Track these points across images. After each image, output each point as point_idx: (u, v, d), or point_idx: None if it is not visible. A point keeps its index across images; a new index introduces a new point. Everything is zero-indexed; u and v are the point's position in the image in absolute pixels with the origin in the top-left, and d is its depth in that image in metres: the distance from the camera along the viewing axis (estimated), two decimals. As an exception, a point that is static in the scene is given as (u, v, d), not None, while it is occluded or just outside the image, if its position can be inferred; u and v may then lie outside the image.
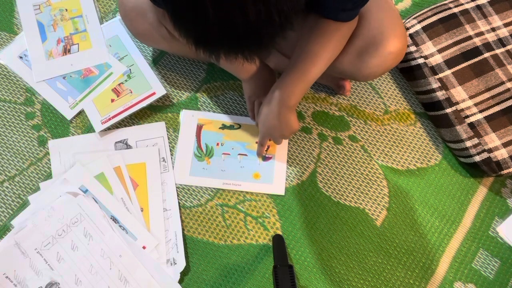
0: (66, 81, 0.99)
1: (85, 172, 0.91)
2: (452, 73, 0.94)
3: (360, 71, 0.84)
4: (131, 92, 0.98)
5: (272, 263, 0.87)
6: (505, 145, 0.91)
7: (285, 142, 0.97)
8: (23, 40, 1.02)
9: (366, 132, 1.00)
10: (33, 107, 0.99)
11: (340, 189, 0.95)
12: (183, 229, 0.90)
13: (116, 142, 0.96)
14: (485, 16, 0.97)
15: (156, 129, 0.97)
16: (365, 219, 0.93)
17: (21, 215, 0.88)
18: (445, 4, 0.98)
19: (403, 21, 0.99)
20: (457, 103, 0.93)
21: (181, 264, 0.87)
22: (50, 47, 1.01)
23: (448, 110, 0.94)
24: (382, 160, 0.98)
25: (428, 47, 0.95)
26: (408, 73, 1.00)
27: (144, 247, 0.87)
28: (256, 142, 0.96)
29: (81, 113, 0.98)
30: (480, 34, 0.96)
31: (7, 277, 0.83)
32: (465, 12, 0.97)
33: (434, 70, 0.95)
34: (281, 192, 0.94)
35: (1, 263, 0.84)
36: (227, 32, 0.50)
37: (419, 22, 0.97)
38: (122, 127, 0.97)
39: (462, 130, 0.93)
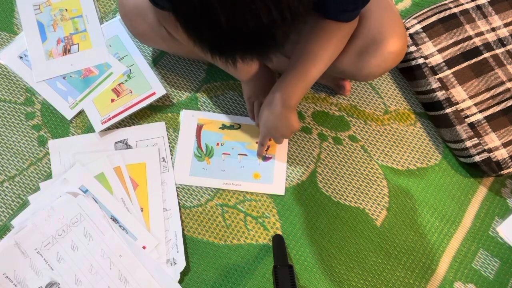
0: (66, 81, 0.99)
1: (85, 172, 0.91)
2: (452, 73, 0.94)
3: (360, 71, 0.84)
4: (131, 92, 0.98)
5: (272, 263, 0.87)
6: (505, 145, 0.91)
7: (285, 142, 0.97)
8: (23, 40, 1.02)
9: (366, 132, 1.00)
10: (33, 107, 0.99)
11: (340, 189, 0.95)
12: (183, 229, 0.90)
13: (116, 142, 0.96)
14: (485, 16, 0.97)
15: (156, 129, 0.97)
16: (365, 219, 0.93)
17: (21, 215, 0.88)
18: (445, 4, 0.98)
19: (403, 21, 0.99)
20: (457, 103, 0.93)
21: (181, 264, 0.87)
22: (50, 47, 1.01)
23: (448, 110, 0.94)
24: (382, 160, 0.98)
25: (428, 47, 0.95)
26: (408, 73, 1.00)
27: (144, 247, 0.87)
28: (256, 142, 0.96)
29: (81, 113, 0.98)
30: (480, 34, 0.96)
31: (7, 277, 0.83)
32: (465, 12, 0.97)
33: (434, 70, 0.95)
34: (281, 192, 0.94)
35: (1, 263, 0.84)
36: (241, 37, 0.50)
37: (419, 22, 0.97)
38: (122, 127, 0.97)
39: (462, 130, 0.93)
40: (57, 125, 0.97)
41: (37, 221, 0.86)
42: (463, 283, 0.90)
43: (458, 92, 0.93)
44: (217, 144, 0.97)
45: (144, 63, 1.01)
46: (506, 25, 0.97)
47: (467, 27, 0.96)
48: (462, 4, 0.98)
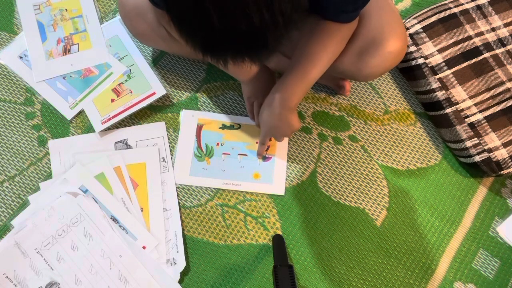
0: (66, 81, 0.99)
1: (85, 172, 0.91)
2: (452, 73, 0.94)
3: (360, 71, 0.84)
4: (131, 92, 0.98)
5: (272, 263, 0.87)
6: (505, 145, 0.91)
7: (285, 142, 0.97)
8: (23, 40, 1.02)
9: (366, 132, 1.00)
10: (33, 107, 0.99)
11: (340, 189, 0.95)
12: (183, 229, 0.90)
13: (116, 142, 0.96)
14: (485, 16, 0.97)
15: (156, 129, 0.97)
16: (365, 219, 0.93)
17: (21, 215, 0.88)
18: (445, 4, 0.98)
19: (403, 21, 0.99)
20: (457, 103, 0.93)
21: (181, 264, 0.87)
22: (50, 47, 1.01)
23: (448, 110, 0.94)
24: (382, 160, 0.98)
25: (428, 47, 0.95)
26: (408, 73, 1.00)
27: (144, 247, 0.87)
28: (256, 142, 0.96)
29: (81, 113, 0.98)
30: (480, 34, 0.96)
31: (7, 277, 0.83)
32: (465, 12, 0.97)
33: (434, 70, 0.95)
34: (281, 192, 0.94)
35: (1, 263, 0.84)
36: (232, 38, 0.50)
37: (419, 22, 0.97)
38: (122, 127, 0.97)
39: (462, 130, 0.93)
40: (57, 125, 0.97)
41: (37, 221, 0.86)
42: (463, 283, 0.90)
43: (458, 92, 0.93)
44: (217, 144, 0.97)
45: (144, 63, 1.01)
46: (506, 25, 0.97)
47: (467, 27, 0.96)
48: (462, 4, 0.98)
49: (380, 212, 0.94)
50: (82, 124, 0.97)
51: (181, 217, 0.91)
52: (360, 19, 0.80)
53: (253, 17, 0.47)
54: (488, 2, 0.98)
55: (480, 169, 0.93)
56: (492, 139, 0.91)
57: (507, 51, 0.95)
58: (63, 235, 0.86)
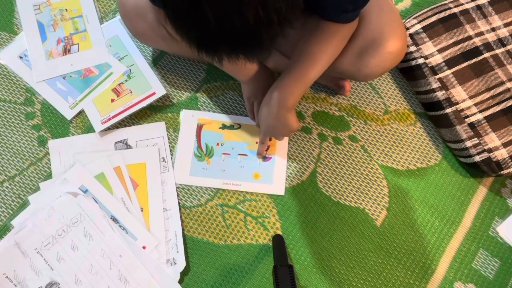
0: (66, 81, 0.99)
1: (85, 172, 0.91)
2: (452, 73, 0.94)
3: (360, 71, 0.84)
4: (131, 92, 0.98)
5: (272, 263, 0.87)
6: (505, 145, 0.91)
7: (285, 143, 0.97)
8: (23, 40, 1.02)
9: (366, 132, 1.00)
10: (33, 107, 0.99)
11: (340, 189, 0.95)
12: (183, 229, 0.90)
13: (116, 142, 0.96)
14: (485, 16, 0.97)
15: (156, 129, 0.97)
16: (365, 219, 0.93)
17: (21, 215, 0.88)
18: (445, 4, 0.98)
19: (403, 21, 0.99)
20: (457, 103, 0.93)
21: (181, 264, 0.87)
22: (50, 47, 1.01)
23: (448, 110, 0.94)
24: (382, 160, 0.98)
25: (428, 47, 0.95)
26: (408, 73, 1.00)
27: (144, 247, 0.87)
28: (257, 142, 0.96)
29: (81, 113, 0.98)
30: (480, 34, 0.96)
31: (7, 277, 0.83)
32: (465, 12, 0.97)
33: (434, 70, 0.95)
34: (281, 192, 0.94)
35: (1, 263, 0.84)
36: (227, 35, 0.50)
37: (419, 22, 0.97)
38: (122, 127, 0.97)
39: (462, 130, 0.93)
40: (57, 125, 0.97)
41: (37, 221, 0.86)
42: (463, 283, 0.90)
43: (458, 92, 0.93)
44: (217, 144, 0.97)
45: (144, 63, 1.01)
46: (506, 25, 0.97)
47: (467, 27, 0.96)
48: (462, 4, 0.98)
49: (380, 212, 0.94)
50: (82, 124, 0.97)
51: (181, 217, 0.91)
52: (360, 19, 0.80)
53: (248, 15, 0.47)
54: (488, 2, 0.98)
55: (480, 169, 0.93)
56: (492, 139, 0.91)
57: (507, 51, 0.95)
58: (63, 235, 0.86)
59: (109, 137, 0.96)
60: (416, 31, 0.97)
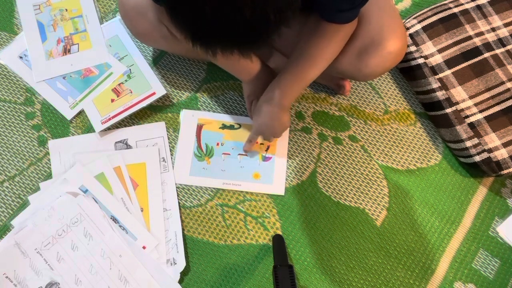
0: (66, 81, 0.99)
1: (85, 172, 0.91)
2: (452, 73, 0.94)
3: (359, 71, 0.84)
4: (131, 92, 0.98)
5: (272, 263, 0.87)
6: (505, 145, 0.91)
7: (285, 142, 0.97)
8: (23, 40, 1.02)
9: (366, 132, 1.00)
10: (33, 107, 0.99)
11: (340, 189, 0.95)
12: (183, 229, 0.90)
13: (116, 142, 0.96)
14: (485, 16, 0.97)
15: (156, 129, 0.97)
16: (365, 219, 0.93)
17: (21, 215, 0.88)
18: (445, 4, 0.98)
19: (403, 21, 0.99)
20: (457, 103, 0.93)
21: (181, 264, 0.87)
22: (50, 47, 1.01)
23: (448, 110, 0.94)
24: (382, 160, 0.98)
25: (428, 47, 0.95)
26: (408, 73, 1.00)
27: (144, 247, 0.87)
28: (257, 142, 0.96)
29: (81, 113, 0.98)
30: (480, 34, 0.96)
31: (7, 277, 0.83)
32: (465, 12, 0.97)
33: (434, 70, 0.95)
34: (281, 192, 0.94)
35: (1, 263, 0.84)
36: (223, 29, 0.51)
37: (419, 22, 0.97)
38: (122, 127, 0.97)
39: (462, 130, 0.93)
40: (57, 125, 0.97)
41: (37, 221, 0.86)
42: (463, 283, 0.90)
43: (458, 92, 0.93)
44: (217, 144, 0.97)
45: (144, 63, 1.01)
46: (506, 25, 0.97)
47: (467, 27, 0.96)
48: (462, 4, 0.98)
49: (380, 212, 0.94)
50: (82, 124, 0.97)
51: (181, 217, 0.91)
52: (359, 19, 0.80)
53: (245, 10, 0.48)
54: (488, 2, 0.98)
55: (480, 169, 0.93)
56: (492, 139, 0.91)
57: (507, 51, 0.95)
58: (63, 235, 0.86)
59: (109, 137, 0.96)
60: (416, 31, 0.97)
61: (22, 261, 0.84)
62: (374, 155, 0.98)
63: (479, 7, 0.97)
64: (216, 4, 0.48)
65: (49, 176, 0.93)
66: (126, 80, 0.99)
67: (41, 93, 0.99)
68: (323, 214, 0.93)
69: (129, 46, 1.02)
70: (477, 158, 0.92)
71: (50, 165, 0.94)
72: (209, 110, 1.00)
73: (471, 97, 0.93)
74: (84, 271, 0.85)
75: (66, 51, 1.01)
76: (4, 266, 0.84)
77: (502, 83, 0.93)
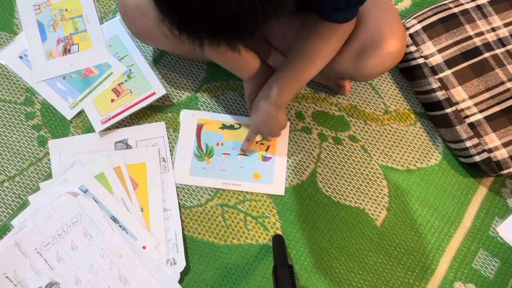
0: (66, 81, 0.99)
1: (85, 172, 0.91)
2: (452, 73, 0.94)
3: (358, 71, 0.84)
4: (131, 92, 0.98)
5: (272, 263, 0.87)
6: (505, 145, 0.91)
7: (285, 142, 0.97)
8: (23, 40, 1.02)
9: (366, 132, 1.00)
10: (33, 107, 0.99)
11: (340, 189, 0.95)
12: (183, 229, 0.90)
13: (116, 142, 0.96)
14: (485, 16, 0.97)
15: (156, 129, 0.97)
16: (365, 219, 0.93)
17: (21, 215, 0.88)
18: (445, 4, 0.98)
19: (403, 21, 0.99)
20: (457, 103, 0.93)
21: (181, 264, 0.87)
22: (50, 47, 1.01)
23: (448, 110, 0.94)
24: (382, 160, 0.98)
25: (428, 47, 0.95)
26: (408, 73, 1.00)
27: (144, 247, 0.87)
28: (257, 142, 0.97)
29: (81, 113, 0.98)
30: (480, 34, 0.96)
31: (7, 277, 0.83)
32: (465, 12, 0.97)
33: (434, 70, 0.95)
34: (281, 192, 0.94)
35: (1, 263, 0.84)
36: (209, 20, 0.50)
37: (419, 22, 0.97)
38: (122, 127, 0.97)
39: (462, 130, 0.93)
40: (57, 125, 0.97)
41: (37, 221, 0.86)
42: (463, 283, 0.90)
43: (458, 92, 0.93)
44: (217, 144, 0.97)
45: (144, 63, 1.01)
46: (506, 25, 0.97)
47: (467, 27, 0.96)
48: (462, 4, 0.97)
49: (380, 212, 0.94)
50: (82, 124, 0.97)
51: (181, 217, 0.91)
52: (358, 19, 0.80)
53: (232, 1, 0.47)
54: (488, 2, 0.98)
55: (480, 169, 0.93)
56: (492, 139, 0.91)
57: (507, 51, 0.95)
58: (63, 235, 0.86)
59: (109, 137, 0.96)
60: (416, 31, 0.97)
61: (22, 261, 0.84)
62: (374, 155, 0.98)
63: (479, 7, 0.97)
64: None
65: (49, 176, 0.93)
66: (126, 80, 0.99)
67: (41, 93, 0.99)
68: (323, 214, 0.93)
69: (129, 46, 1.02)
70: (477, 158, 0.92)
71: (50, 165, 0.94)
72: (209, 110, 1.00)
73: (471, 97, 0.93)
74: (84, 271, 0.85)
75: (66, 51, 1.01)
76: (4, 266, 0.84)
77: (502, 83, 0.93)
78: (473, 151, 0.92)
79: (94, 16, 1.04)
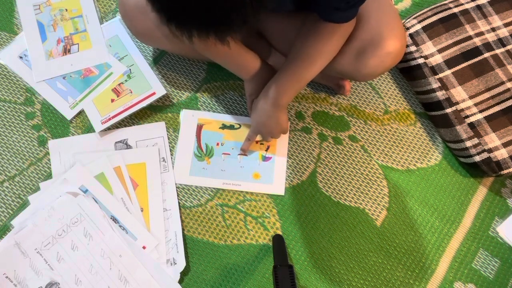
0: (66, 81, 0.99)
1: (85, 172, 0.91)
2: (452, 73, 0.94)
3: (358, 71, 0.84)
4: (131, 92, 0.98)
5: (272, 263, 0.87)
6: (505, 145, 0.91)
7: (285, 142, 0.97)
8: (23, 40, 1.02)
9: (366, 132, 1.00)
10: (33, 107, 0.99)
11: (340, 189, 0.95)
12: (183, 229, 0.90)
13: (116, 142, 0.96)
14: (485, 16, 0.97)
15: (156, 129, 0.97)
16: (365, 219, 0.93)
17: (21, 215, 0.88)
18: (445, 4, 0.98)
19: (403, 21, 0.99)
20: (457, 103, 0.93)
21: (181, 264, 0.87)
22: (50, 47, 1.01)
23: (448, 110, 0.94)
24: (382, 160, 0.98)
25: (428, 47, 0.95)
26: (408, 73, 1.00)
27: (144, 247, 0.87)
28: (257, 142, 0.97)
29: (81, 113, 0.98)
30: (480, 34, 0.96)
31: (7, 277, 0.83)
32: (465, 12, 0.97)
33: (434, 70, 0.95)
34: (281, 192, 0.94)
35: (1, 263, 0.84)
36: (197, 9, 0.50)
37: (419, 22, 0.97)
38: (122, 127, 0.97)
39: (462, 130, 0.93)
40: (57, 125, 0.97)
41: (37, 221, 0.86)
42: (463, 283, 0.90)
43: (458, 92, 0.93)
44: (217, 144, 0.97)
45: (144, 63, 1.01)
46: (506, 25, 0.97)
47: (467, 27, 0.96)
48: (462, 4, 0.97)
49: (380, 212, 0.94)
50: (82, 124, 0.97)
51: (181, 217, 0.91)
52: (358, 19, 0.80)
53: None
54: (488, 2, 0.98)
55: (480, 169, 0.93)
56: (492, 139, 0.91)
57: (507, 51, 0.95)
58: (63, 235, 0.86)
59: (109, 137, 0.96)
60: (416, 31, 0.96)
61: (22, 261, 0.84)
62: (374, 155, 0.98)
63: (479, 7, 0.97)
64: None
65: (49, 176, 0.93)
66: (126, 80, 0.99)
67: (41, 93, 0.99)
68: (323, 214, 0.93)
69: (129, 46, 1.02)
70: (477, 158, 0.92)
71: (50, 165, 0.94)
72: (209, 110, 1.00)
73: (471, 97, 0.93)
74: (84, 271, 0.85)
75: (66, 51, 1.01)
76: (4, 266, 0.84)
77: (502, 83, 0.93)
78: (473, 151, 0.92)
79: (94, 16, 1.04)
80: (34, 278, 0.83)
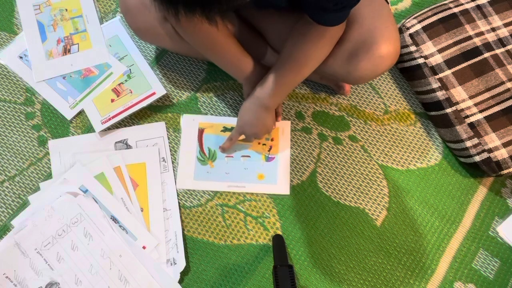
0: (66, 81, 0.99)
1: (85, 172, 0.91)
2: (452, 73, 0.94)
3: (350, 74, 0.83)
4: (131, 92, 0.98)
5: (272, 263, 0.87)
6: (505, 145, 0.91)
7: (287, 142, 0.97)
8: (23, 40, 1.02)
9: (366, 132, 1.00)
10: (33, 107, 0.99)
11: (340, 189, 0.95)
12: (183, 229, 0.90)
13: (116, 142, 0.96)
14: (485, 16, 0.97)
15: (156, 129, 0.97)
16: (365, 219, 0.93)
17: (21, 215, 0.88)
18: (445, 4, 0.98)
19: (403, 21, 0.99)
20: (457, 103, 0.93)
21: (181, 264, 0.87)
22: (50, 47, 1.01)
23: (448, 110, 0.94)
24: (382, 160, 0.98)
25: (428, 47, 0.95)
26: (408, 73, 1.00)
27: (144, 247, 0.87)
28: (259, 143, 0.96)
29: (81, 113, 0.98)
30: (480, 34, 0.96)
31: (7, 277, 0.83)
32: (465, 12, 0.97)
33: (434, 70, 0.95)
34: (286, 192, 0.94)
35: (1, 263, 0.84)
36: None
37: (419, 22, 0.97)
38: (122, 127, 0.97)
39: (462, 130, 0.93)
40: (57, 125, 0.97)
41: (37, 221, 0.86)
42: (463, 283, 0.90)
43: (458, 92, 0.93)
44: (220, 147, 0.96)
45: (144, 63, 1.01)
46: (506, 25, 0.97)
47: (467, 27, 0.96)
48: (462, 4, 0.98)
49: (380, 212, 0.94)
50: (82, 124, 0.97)
51: (181, 217, 0.91)
52: (352, 21, 0.79)
53: None
54: (488, 2, 0.98)
55: (480, 169, 0.93)
56: (492, 139, 0.91)
57: (507, 51, 0.95)
58: (63, 235, 0.86)
59: (109, 137, 0.96)
60: (416, 31, 0.96)
61: (22, 261, 0.84)
62: (374, 155, 0.98)
63: (479, 7, 0.97)
64: None
65: (49, 176, 0.93)
66: (126, 80, 0.99)
67: (41, 93, 0.99)
68: (323, 214, 0.93)
69: (129, 46, 1.02)
70: (477, 158, 0.92)
71: (50, 165, 0.94)
72: (209, 110, 1.00)
73: (471, 97, 0.93)
74: (84, 271, 0.85)
75: (66, 51, 1.01)
76: (4, 266, 0.84)
77: (502, 83, 0.93)
78: (473, 151, 0.92)
79: (94, 16, 1.04)
80: (34, 278, 0.83)
